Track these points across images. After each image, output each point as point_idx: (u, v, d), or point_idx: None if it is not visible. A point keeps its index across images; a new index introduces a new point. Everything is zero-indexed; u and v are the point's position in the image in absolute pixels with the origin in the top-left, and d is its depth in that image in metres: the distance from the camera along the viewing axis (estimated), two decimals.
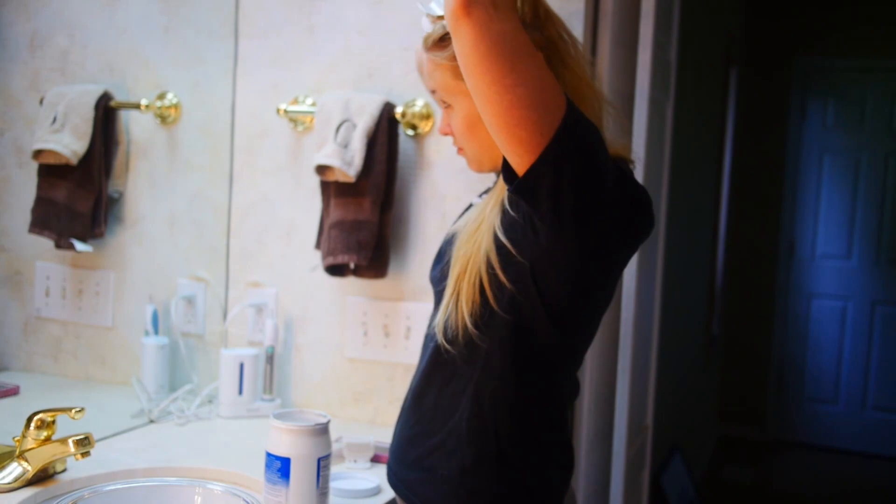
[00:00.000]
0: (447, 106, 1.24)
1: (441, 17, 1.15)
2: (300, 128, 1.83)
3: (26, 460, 1.30)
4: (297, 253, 1.85)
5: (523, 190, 1.03)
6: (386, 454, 1.56)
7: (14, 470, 1.29)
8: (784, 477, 4.70)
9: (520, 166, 1.01)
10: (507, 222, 1.13)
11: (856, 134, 5.05)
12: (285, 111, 1.81)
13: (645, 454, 2.42)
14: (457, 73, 1.17)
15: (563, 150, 1.00)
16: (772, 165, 5.18)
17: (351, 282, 1.80)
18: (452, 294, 1.16)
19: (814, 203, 5.15)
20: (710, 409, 5.06)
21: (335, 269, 1.74)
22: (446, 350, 1.18)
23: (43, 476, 1.32)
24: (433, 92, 1.24)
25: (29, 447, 1.30)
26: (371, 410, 1.81)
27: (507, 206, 1.12)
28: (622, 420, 2.06)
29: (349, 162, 1.67)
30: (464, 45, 0.97)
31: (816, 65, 5.10)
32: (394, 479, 1.28)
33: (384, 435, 1.66)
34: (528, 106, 0.98)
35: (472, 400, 1.18)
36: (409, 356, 1.77)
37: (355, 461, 1.53)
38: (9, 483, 1.28)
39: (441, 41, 1.17)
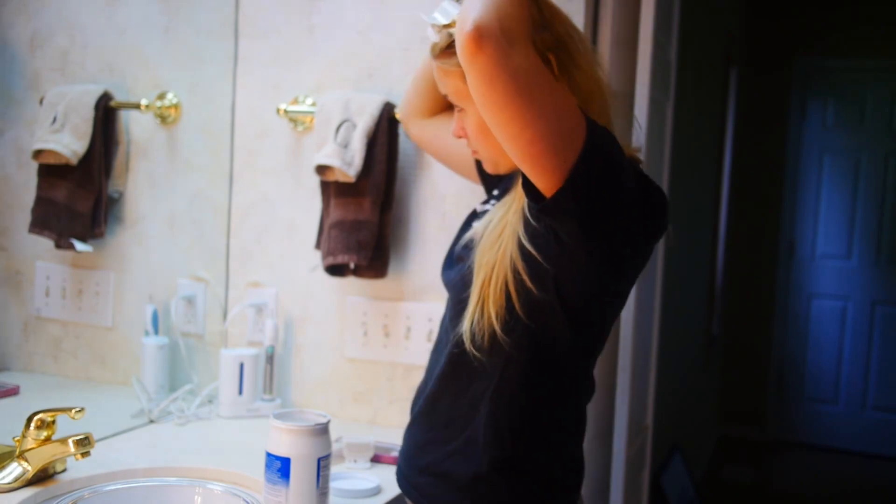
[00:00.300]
0: (460, 109, 1.23)
1: (446, 26, 1.14)
2: (300, 128, 1.83)
3: (26, 460, 1.30)
4: (297, 253, 1.85)
5: (550, 212, 1.04)
6: (386, 454, 1.56)
7: (14, 470, 1.29)
8: (784, 477, 4.69)
9: (545, 189, 1.02)
10: (530, 230, 1.11)
11: (856, 134, 5.05)
12: (285, 111, 1.81)
13: (645, 454, 2.42)
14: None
15: (587, 173, 1.00)
16: (772, 165, 5.18)
17: (351, 282, 1.80)
18: (478, 301, 1.15)
19: (814, 203, 5.15)
20: (710, 409, 5.06)
21: (335, 269, 1.74)
22: (475, 357, 1.17)
23: (43, 476, 1.32)
24: (445, 96, 1.24)
25: (29, 447, 1.30)
26: (371, 410, 1.81)
27: (529, 216, 1.11)
28: (622, 420, 2.06)
29: (349, 162, 1.67)
30: (479, 82, 0.95)
31: (816, 65, 5.10)
32: (405, 484, 1.28)
33: (384, 435, 1.66)
34: (550, 137, 0.98)
35: (489, 407, 1.18)
36: (409, 356, 1.77)
37: (355, 461, 1.53)
38: (9, 483, 1.28)
39: (448, 49, 1.16)
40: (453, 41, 1.12)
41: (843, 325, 5.12)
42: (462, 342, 1.18)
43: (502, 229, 1.16)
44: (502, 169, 1.26)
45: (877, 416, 5.07)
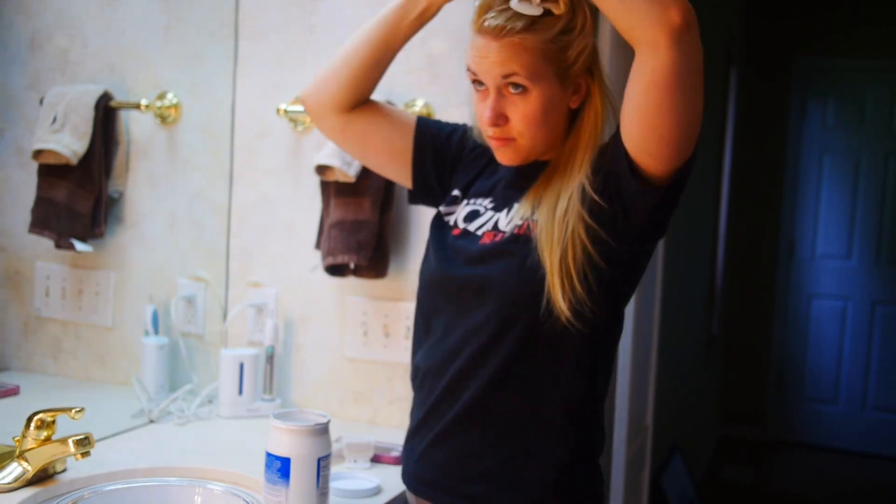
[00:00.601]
0: (520, 91, 1.16)
1: (545, 0, 1.12)
2: (300, 128, 1.83)
3: (26, 460, 1.30)
4: (297, 253, 1.85)
5: (666, 192, 1.11)
6: (386, 454, 1.56)
7: (14, 470, 1.29)
8: (784, 477, 4.70)
9: (658, 171, 1.09)
10: (595, 211, 1.14)
11: (856, 134, 5.05)
12: (285, 111, 1.81)
13: (645, 454, 2.42)
14: (547, 56, 1.14)
15: (693, 159, 1.12)
16: (772, 165, 5.18)
17: (351, 282, 1.80)
18: (558, 277, 1.13)
19: (814, 203, 5.15)
20: (710, 409, 5.06)
21: (335, 269, 1.74)
22: (576, 329, 1.14)
23: (43, 476, 1.32)
24: (508, 76, 1.15)
25: (29, 447, 1.30)
26: (371, 410, 1.81)
27: (596, 197, 1.13)
28: (622, 420, 2.07)
29: (349, 162, 1.67)
30: (681, 65, 1.01)
31: (816, 65, 5.10)
32: (447, 495, 1.21)
33: (384, 435, 1.66)
34: (698, 122, 1.08)
35: (564, 396, 1.18)
36: (409, 356, 1.76)
37: (355, 461, 1.53)
38: (9, 483, 1.28)
39: (534, 24, 1.13)
40: (543, 14, 1.13)
41: (843, 325, 5.12)
42: (525, 339, 1.17)
43: (565, 211, 1.15)
44: (532, 157, 1.22)
45: (877, 416, 5.07)
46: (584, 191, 1.14)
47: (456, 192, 1.34)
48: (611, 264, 1.15)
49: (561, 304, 1.13)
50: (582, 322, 1.14)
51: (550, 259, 1.14)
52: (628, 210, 1.13)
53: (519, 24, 1.13)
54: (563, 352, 1.17)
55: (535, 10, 1.12)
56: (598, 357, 1.21)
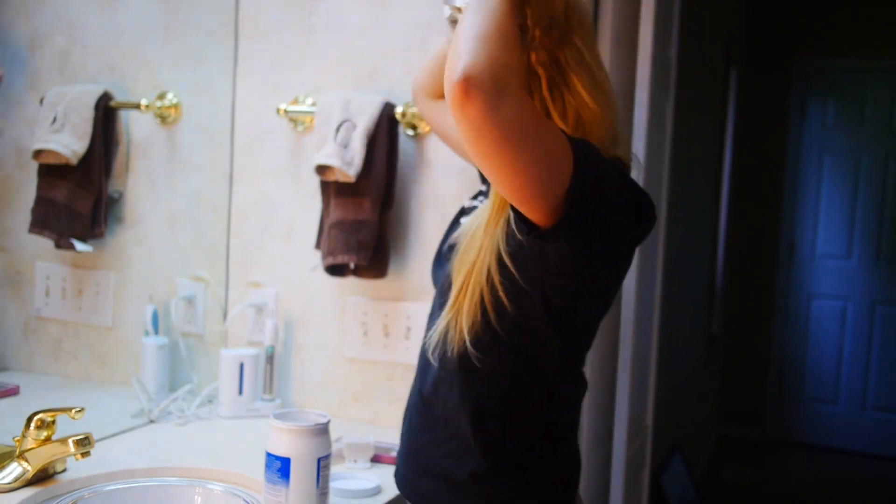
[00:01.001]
0: None
1: (461, 9, 1.15)
2: (300, 128, 1.83)
3: (26, 460, 1.30)
4: (297, 253, 1.85)
5: (545, 239, 1.02)
6: (386, 454, 1.56)
7: (14, 470, 1.29)
8: (784, 477, 4.70)
9: (535, 219, 1.00)
10: (513, 243, 1.08)
11: (856, 134, 5.05)
12: (285, 111, 1.81)
13: (645, 454, 2.42)
14: None
15: (578, 201, 0.99)
16: (772, 165, 5.18)
17: (351, 282, 1.80)
18: (451, 309, 1.13)
19: (814, 203, 5.15)
20: (710, 409, 5.06)
21: (335, 269, 1.74)
22: (442, 366, 1.17)
23: (43, 476, 1.32)
24: None
25: (29, 447, 1.30)
26: (371, 410, 1.81)
27: (515, 229, 1.06)
28: (622, 420, 2.07)
29: (349, 162, 1.67)
30: (467, 132, 0.91)
31: (816, 65, 5.10)
32: (406, 488, 1.26)
33: (384, 435, 1.66)
34: (540, 178, 0.96)
35: (473, 413, 1.17)
36: (409, 356, 1.77)
37: (355, 461, 1.53)
38: (9, 483, 1.28)
39: (455, 23, 1.17)
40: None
41: (843, 325, 5.12)
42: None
43: (481, 239, 1.12)
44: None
45: (877, 416, 5.07)
46: (510, 221, 1.08)
47: (483, 188, 1.36)
48: (520, 306, 1.09)
49: (433, 337, 1.15)
50: (463, 362, 1.13)
51: (455, 281, 1.13)
52: (542, 250, 1.06)
53: (449, 18, 1.19)
54: (475, 373, 1.16)
55: (449, 14, 1.17)
56: (528, 387, 1.17)
